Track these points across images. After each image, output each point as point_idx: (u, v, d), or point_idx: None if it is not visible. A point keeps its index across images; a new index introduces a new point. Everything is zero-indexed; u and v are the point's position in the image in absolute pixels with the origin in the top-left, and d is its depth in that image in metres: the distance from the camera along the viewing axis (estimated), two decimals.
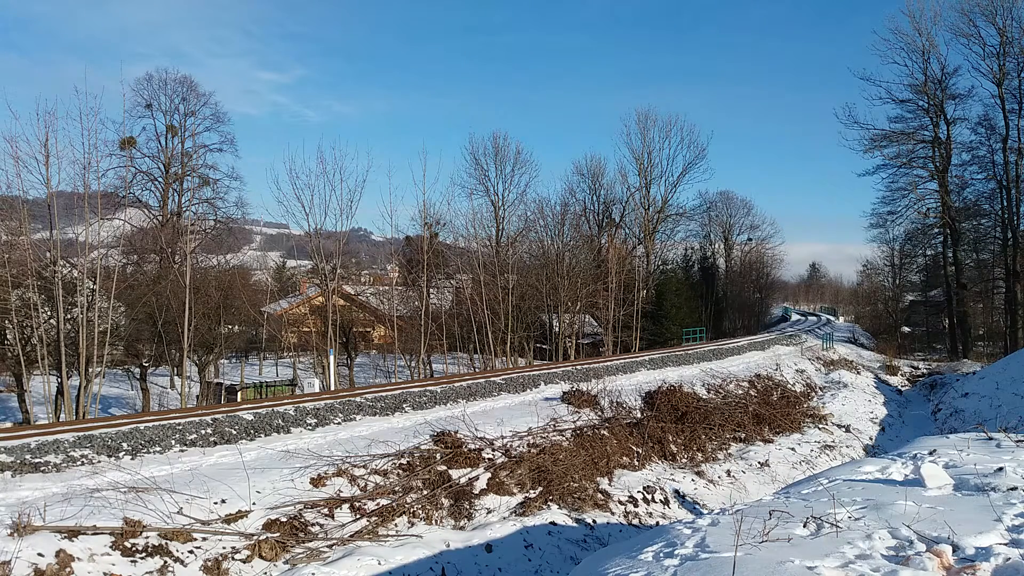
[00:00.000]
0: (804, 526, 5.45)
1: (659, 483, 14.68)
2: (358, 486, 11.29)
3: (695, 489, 15.15)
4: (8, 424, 21.02)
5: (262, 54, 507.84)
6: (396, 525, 10.58)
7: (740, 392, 23.08)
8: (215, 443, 12.71)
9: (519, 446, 13.85)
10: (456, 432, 13.69)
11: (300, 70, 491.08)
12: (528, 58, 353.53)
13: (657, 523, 12.72)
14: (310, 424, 14.44)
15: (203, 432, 12.89)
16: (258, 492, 10.22)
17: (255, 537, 9.23)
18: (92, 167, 20.69)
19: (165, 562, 8.37)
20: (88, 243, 21.58)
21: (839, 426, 22.81)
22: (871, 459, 9.27)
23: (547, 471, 12.92)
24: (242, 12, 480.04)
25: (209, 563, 8.63)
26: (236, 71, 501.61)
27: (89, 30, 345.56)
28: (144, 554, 8.37)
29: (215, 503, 9.71)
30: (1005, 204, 44.03)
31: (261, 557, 9.05)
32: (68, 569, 7.74)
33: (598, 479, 13.90)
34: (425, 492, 11.56)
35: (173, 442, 12.34)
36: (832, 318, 75.74)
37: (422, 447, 12.99)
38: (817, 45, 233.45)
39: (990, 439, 9.77)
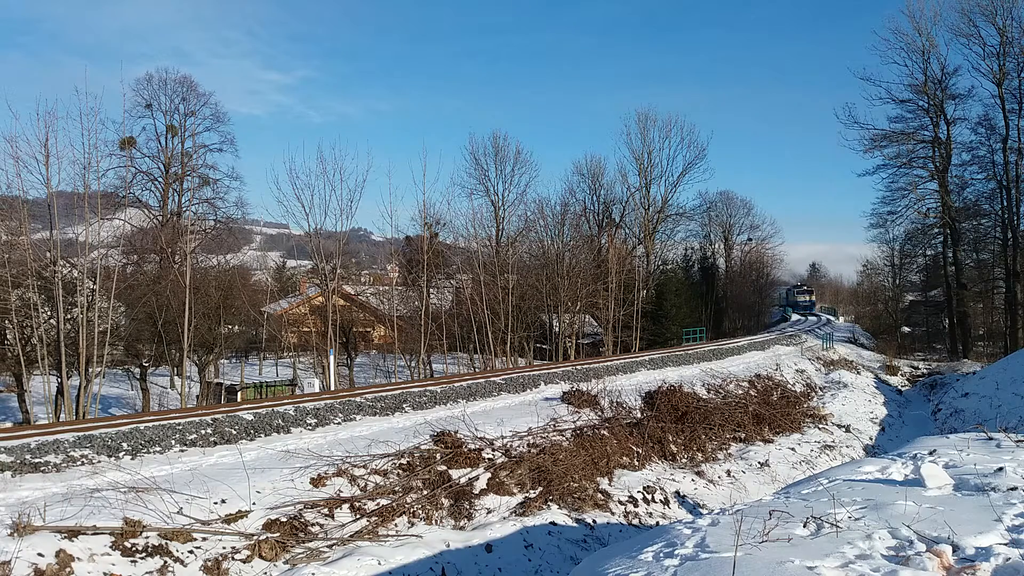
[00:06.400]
0: (804, 526, 5.45)
1: (659, 483, 14.68)
2: (358, 486, 11.29)
3: (695, 489, 15.15)
4: (8, 424, 21.01)
5: (266, 55, 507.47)
6: (396, 525, 10.57)
7: (740, 392, 23.08)
8: (215, 443, 12.70)
9: (519, 446, 13.85)
10: (456, 432, 13.68)
11: (303, 71, 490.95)
12: (529, 59, 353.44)
13: (657, 523, 12.71)
14: (310, 424, 14.44)
15: (203, 432, 12.89)
16: (258, 492, 10.22)
17: (255, 537, 9.22)
18: (92, 167, 20.71)
19: (165, 562, 8.37)
20: (88, 243, 21.56)
21: (839, 426, 22.81)
22: (871, 459, 9.27)
23: (547, 471, 12.92)
24: (247, 13, 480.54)
25: (209, 563, 8.62)
26: (240, 72, 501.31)
27: (94, 31, 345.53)
28: (144, 554, 8.37)
29: (215, 503, 9.71)
30: (1005, 204, 44.10)
31: (261, 557, 9.05)
32: (68, 569, 7.74)
33: (598, 479, 13.90)
34: (425, 492, 11.56)
35: (173, 442, 12.34)
36: (832, 318, 75.32)
37: (422, 447, 12.99)
38: (817, 45, 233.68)
39: (990, 439, 9.78)
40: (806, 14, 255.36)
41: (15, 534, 7.86)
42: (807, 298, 76.62)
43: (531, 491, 12.52)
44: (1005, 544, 4.83)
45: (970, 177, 47.11)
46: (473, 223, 38.69)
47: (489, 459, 13.06)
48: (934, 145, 45.98)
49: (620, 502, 13.43)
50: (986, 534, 4.99)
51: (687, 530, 5.66)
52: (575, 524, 12.12)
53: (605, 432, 15.66)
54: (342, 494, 10.88)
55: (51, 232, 20.80)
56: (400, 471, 12.01)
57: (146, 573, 8.19)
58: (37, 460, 10.78)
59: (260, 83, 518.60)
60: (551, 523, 11.75)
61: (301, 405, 15.30)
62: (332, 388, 23.36)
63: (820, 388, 29.41)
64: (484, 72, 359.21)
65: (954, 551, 4.70)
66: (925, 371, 40.18)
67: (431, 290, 34.32)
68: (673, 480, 15.21)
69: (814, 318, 69.50)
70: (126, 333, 26.10)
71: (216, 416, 13.77)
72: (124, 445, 11.80)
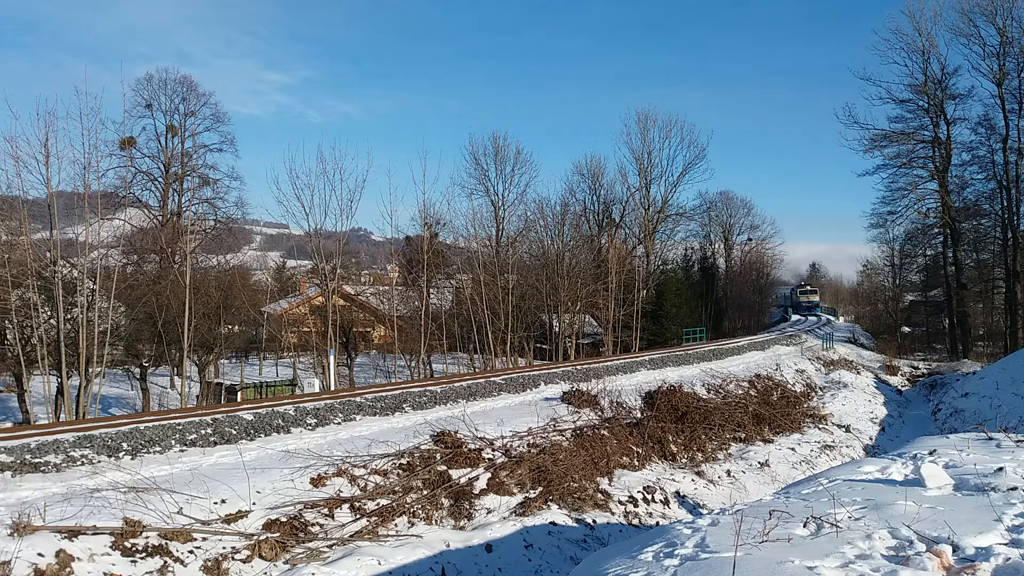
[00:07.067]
0: (804, 526, 5.46)
1: (659, 483, 14.68)
2: (358, 486, 11.29)
3: (695, 489, 15.15)
4: (8, 424, 21.01)
5: (267, 55, 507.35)
6: (396, 525, 10.57)
7: (740, 392, 23.07)
8: (215, 443, 12.70)
9: (519, 446, 13.84)
10: (456, 432, 13.68)
11: (305, 71, 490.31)
12: (530, 59, 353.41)
13: (657, 523, 12.71)
14: (310, 424, 14.44)
15: (203, 432, 12.89)
16: (258, 492, 10.22)
17: (255, 537, 9.23)
18: (92, 167, 20.68)
19: (165, 562, 8.37)
20: (88, 243, 21.55)
21: (839, 426, 22.81)
22: (871, 459, 9.27)
23: (547, 471, 12.92)
24: (248, 13, 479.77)
25: (209, 563, 8.62)
26: (241, 72, 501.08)
27: (94, 32, 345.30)
28: (144, 554, 8.37)
29: (215, 503, 9.71)
30: (1005, 204, 44.12)
31: (261, 557, 9.05)
32: (68, 569, 7.74)
33: (598, 479, 13.90)
34: (425, 492, 11.56)
35: (173, 442, 12.34)
36: (832, 318, 75.06)
37: (422, 447, 12.99)
38: (817, 45, 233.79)
39: (990, 439, 9.78)
40: (806, 14, 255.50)
41: (15, 534, 7.86)
42: (812, 298, 73.43)
43: (531, 491, 12.52)
44: (1005, 544, 4.83)
45: (970, 177, 47.23)
46: (473, 223, 38.75)
47: (489, 459, 13.06)
48: (934, 145, 46.01)
49: (620, 502, 13.43)
50: (986, 534, 4.99)
51: (687, 530, 5.66)
52: (575, 524, 12.12)
53: (605, 432, 15.66)
54: (342, 494, 10.88)
55: (51, 232, 20.80)
56: (400, 471, 12.01)
57: (146, 573, 8.19)
58: (37, 460, 10.78)
59: (261, 83, 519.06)
60: (551, 523, 11.75)
61: (301, 405, 15.30)
62: (332, 388, 23.36)
63: (820, 388, 29.41)
64: (484, 72, 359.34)
65: (954, 551, 4.70)
66: (925, 371, 40.19)
67: (431, 290, 34.32)
68: (673, 480, 15.21)
69: (814, 318, 68.00)
70: (126, 333, 26.09)
71: (216, 416, 13.77)
72: (124, 445, 11.79)
